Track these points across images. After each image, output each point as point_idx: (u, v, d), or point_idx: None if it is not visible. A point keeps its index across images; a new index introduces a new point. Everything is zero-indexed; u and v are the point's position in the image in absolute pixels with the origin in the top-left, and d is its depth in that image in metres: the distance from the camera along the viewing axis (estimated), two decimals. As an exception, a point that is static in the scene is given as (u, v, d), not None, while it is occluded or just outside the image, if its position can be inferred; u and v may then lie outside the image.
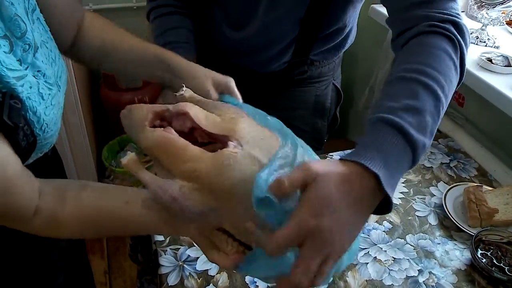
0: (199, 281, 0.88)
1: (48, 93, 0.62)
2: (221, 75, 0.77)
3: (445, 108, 0.68)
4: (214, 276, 0.88)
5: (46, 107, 0.61)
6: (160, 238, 0.96)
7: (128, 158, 0.60)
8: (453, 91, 0.71)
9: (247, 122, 0.63)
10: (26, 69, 0.59)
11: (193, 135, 0.63)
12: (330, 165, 0.56)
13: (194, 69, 0.78)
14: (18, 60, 0.57)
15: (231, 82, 0.77)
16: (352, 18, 1.07)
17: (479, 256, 0.92)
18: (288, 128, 0.66)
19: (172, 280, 0.87)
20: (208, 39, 1.11)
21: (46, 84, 0.62)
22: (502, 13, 1.39)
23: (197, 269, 0.90)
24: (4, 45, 0.55)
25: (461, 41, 0.74)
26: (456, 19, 0.76)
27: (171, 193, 0.58)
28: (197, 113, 0.62)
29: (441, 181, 1.15)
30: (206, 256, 0.63)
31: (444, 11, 0.76)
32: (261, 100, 0.88)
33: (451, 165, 1.21)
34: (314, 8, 0.98)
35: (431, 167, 1.20)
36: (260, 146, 0.59)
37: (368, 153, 0.57)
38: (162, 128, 0.61)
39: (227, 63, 1.11)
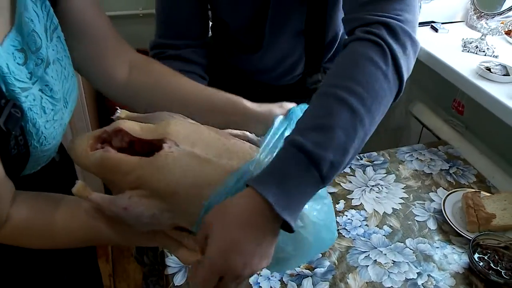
0: (204, 281, 0.90)
1: (51, 108, 0.65)
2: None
3: (372, 120, 0.63)
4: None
5: (47, 121, 0.64)
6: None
7: (77, 186, 0.62)
8: (386, 100, 0.66)
9: (179, 123, 0.64)
10: (35, 82, 0.62)
11: (134, 148, 0.65)
12: (223, 208, 0.58)
13: (268, 110, 0.76)
14: (29, 73, 0.61)
15: None
16: None
17: (477, 259, 0.94)
18: None
19: (178, 280, 0.90)
20: (227, 62, 1.16)
21: (50, 99, 0.65)
22: (501, 23, 1.42)
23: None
24: (19, 57, 0.59)
25: (393, 45, 0.66)
26: (392, 20, 0.68)
27: (121, 204, 0.60)
28: (131, 126, 0.63)
29: (441, 187, 1.18)
30: (176, 257, 0.65)
31: (381, 13, 0.69)
32: None
33: (451, 171, 1.24)
34: (312, 18, 1.01)
35: (431, 173, 1.23)
36: (196, 142, 0.62)
37: (264, 177, 0.58)
38: (101, 150, 0.62)
39: (248, 80, 1.17)
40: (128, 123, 0.64)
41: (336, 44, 1.12)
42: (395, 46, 0.66)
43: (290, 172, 0.57)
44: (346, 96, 0.61)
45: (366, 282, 0.92)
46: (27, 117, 0.60)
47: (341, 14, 1.02)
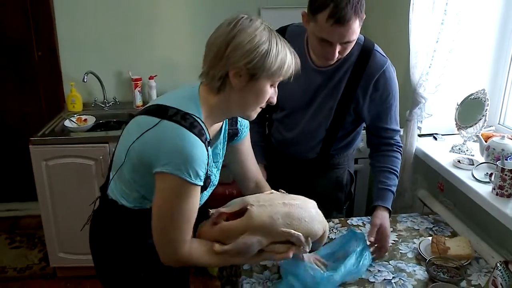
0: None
1: (216, 174, 1.39)
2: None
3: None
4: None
5: (216, 177, 1.39)
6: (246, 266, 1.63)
7: (216, 246, 1.28)
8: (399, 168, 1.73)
9: (248, 196, 1.38)
10: (215, 167, 1.38)
11: (228, 219, 1.34)
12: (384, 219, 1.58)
13: None
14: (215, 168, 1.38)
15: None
16: (357, 130, 1.82)
17: (430, 269, 1.49)
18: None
19: (247, 286, 1.52)
20: (269, 136, 1.90)
21: (217, 173, 1.40)
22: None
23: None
24: (217, 168, 1.37)
25: (401, 149, 1.74)
26: (400, 139, 1.78)
27: (241, 241, 1.28)
28: (223, 209, 1.35)
29: (423, 236, 1.74)
30: (271, 258, 1.36)
31: (396, 137, 1.77)
32: (300, 179, 1.73)
33: (434, 229, 1.80)
34: (334, 124, 1.73)
35: (418, 229, 1.80)
36: (263, 200, 1.33)
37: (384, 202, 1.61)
38: (217, 224, 1.33)
39: (278, 151, 1.89)
40: (223, 208, 1.36)
41: (349, 140, 1.83)
42: (401, 149, 1.74)
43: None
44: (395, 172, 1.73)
45: (358, 278, 1.49)
46: (210, 180, 1.32)
47: (357, 124, 1.82)
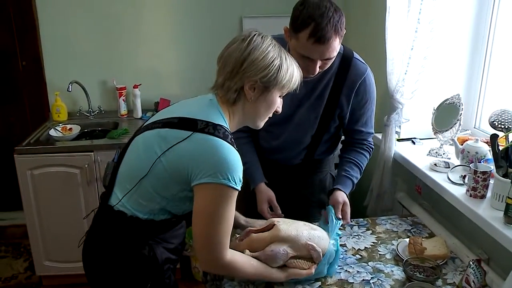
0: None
1: None
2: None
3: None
4: None
5: None
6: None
7: (247, 252, 1.45)
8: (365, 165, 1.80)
9: (276, 218, 1.57)
10: None
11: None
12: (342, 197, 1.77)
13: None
14: None
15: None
16: (338, 136, 1.87)
17: (407, 269, 1.54)
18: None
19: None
20: (258, 145, 1.94)
21: None
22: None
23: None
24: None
25: (371, 150, 1.85)
26: (371, 140, 1.89)
27: (269, 249, 1.44)
28: (251, 228, 1.54)
29: (401, 238, 1.79)
30: (293, 274, 1.46)
31: (368, 139, 1.87)
32: (285, 183, 1.76)
33: (412, 231, 1.85)
34: (319, 131, 1.80)
35: (397, 231, 1.85)
36: (287, 220, 1.50)
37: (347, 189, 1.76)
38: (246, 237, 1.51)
39: (263, 158, 1.93)
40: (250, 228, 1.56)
41: (330, 145, 1.88)
42: (371, 150, 1.87)
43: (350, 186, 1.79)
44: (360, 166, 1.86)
45: (338, 279, 1.53)
46: None
47: (338, 131, 1.88)
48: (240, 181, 1.27)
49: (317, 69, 1.60)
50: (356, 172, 1.85)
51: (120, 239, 1.39)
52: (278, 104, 1.42)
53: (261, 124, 1.45)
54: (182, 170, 1.26)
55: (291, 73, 1.37)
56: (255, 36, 1.33)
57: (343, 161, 1.88)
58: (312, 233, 1.51)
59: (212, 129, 1.27)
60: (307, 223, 1.57)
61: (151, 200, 1.33)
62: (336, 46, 1.54)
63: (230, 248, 1.34)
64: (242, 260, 1.39)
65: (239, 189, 1.26)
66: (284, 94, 1.42)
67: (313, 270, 1.47)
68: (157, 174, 1.29)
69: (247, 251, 1.45)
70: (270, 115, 1.44)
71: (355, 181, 1.84)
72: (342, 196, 1.77)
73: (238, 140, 1.91)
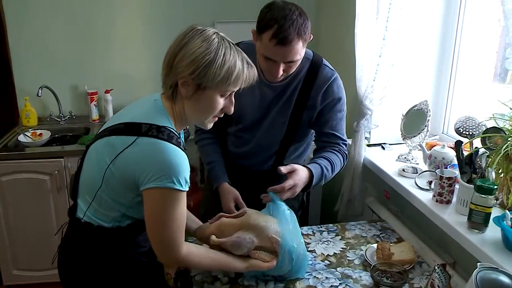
0: None
1: None
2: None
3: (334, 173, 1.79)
4: None
5: None
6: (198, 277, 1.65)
7: (212, 238, 1.45)
8: (339, 169, 1.79)
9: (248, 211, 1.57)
10: None
11: None
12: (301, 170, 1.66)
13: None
14: None
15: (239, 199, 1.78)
16: (307, 141, 1.88)
17: (374, 274, 1.55)
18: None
19: None
20: (225, 151, 1.94)
21: None
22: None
23: None
24: None
25: (344, 154, 1.82)
26: (345, 147, 1.85)
27: (235, 235, 1.44)
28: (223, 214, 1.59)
29: (370, 243, 1.81)
30: (256, 266, 1.46)
31: (341, 144, 1.84)
32: (255, 189, 1.71)
33: (381, 236, 1.88)
34: (287, 136, 1.81)
35: (366, 236, 1.87)
36: (258, 212, 1.50)
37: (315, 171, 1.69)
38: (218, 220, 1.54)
39: (234, 164, 1.94)
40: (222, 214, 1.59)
41: (301, 151, 1.89)
42: (346, 154, 1.84)
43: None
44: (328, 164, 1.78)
45: (306, 285, 1.54)
46: None
47: (307, 136, 1.89)
48: (187, 182, 1.25)
49: (281, 72, 1.60)
50: (326, 164, 1.75)
51: (91, 250, 1.39)
52: (223, 104, 1.34)
53: (208, 124, 1.38)
54: (130, 177, 1.25)
55: (229, 69, 1.26)
56: (192, 31, 1.28)
57: (313, 158, 1.82)
58: (279, 226, 1.50)
59: (155, 131, 1.24)
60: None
61: (111, 209, 1.33)
62: (299, 49, 1.55)
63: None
64: (199, 253, 1.40)
65: (186, 189, 1.26)
66: (227, 93, 1.33)
67: (274, 263, 1.46)
68: (110, 183, 1.29)
69: (213, 237, 1.45)
70: (219, 115, 1.38)
71: (325, 170, 1.74)
72: (301, 167, 1.68)
73: (203, 141, 1.94)
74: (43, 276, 2.70)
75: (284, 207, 1.57)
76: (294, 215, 1.59)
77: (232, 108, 1.37)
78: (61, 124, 3.16)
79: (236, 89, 1.33)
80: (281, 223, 1.51)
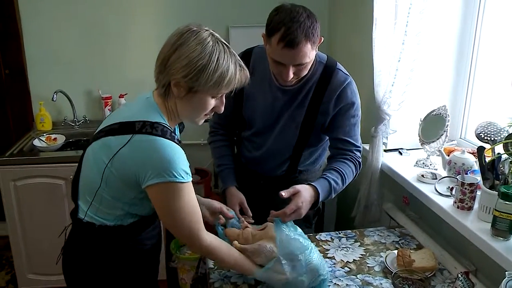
0: (230, 288, 1.54)
1: None
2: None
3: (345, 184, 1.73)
4: None
5: None
6: (217, 284, 1.64)
7: (235, 243, 1.48)
8: (351, 179, 1.74)
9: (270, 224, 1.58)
10: None
11: None
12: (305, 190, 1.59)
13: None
14: None
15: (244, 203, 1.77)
16: (323, 146, 1.87)
17: (396, 282, 1.53)
18: None
19: None
20: (239, 155, 1.93)
21: None
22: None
23: None
24: None
25: (357, 163, 1.78)
26: (358, 154, 1.80)
27: (258, 243, 1.46)
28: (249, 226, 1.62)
29: (389, 250, 1.79)
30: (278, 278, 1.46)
31: (354, 151, 1.78)
32: (269, 195, 1.71)
33: (400, 242, 1.86)
34: (300, 141, 1.78)
35: (385, 242, 1.85)
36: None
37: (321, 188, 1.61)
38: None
39: (247, 169, 1.93)
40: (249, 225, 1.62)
41: (315, 157, 1.88)
42: (359, 163, 1.75)
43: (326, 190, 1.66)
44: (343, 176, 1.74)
45: (327, 293, 1.53)
46: None
47: (321, 141, 1.86)
48: (187, 173, 1.27)
49: (291, 75, 1.59)
50: (335, 176, 1.70)
51: (94, 249, 1.40)
52: (214, 104, 1.35)
53: (199, 121, 1.40)
54: (130, 175, 1.26)
55: (222, 74, 1.27)
56: (188, 32, 1.28)
57: (324, 169, 1.79)
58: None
59: (149, 128, 1.25)
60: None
61: (113, 208, 1.34)
62: (307, 51, 1.53)
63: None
64: (226, 251, 1.43)
65: (189, 180, 1.28)
66: (219, 95, 1.34)
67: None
68: (110, 183, 1.30)
69: (236, 242, 1.49)
70: (209, 114, 1.39)
71: (334, 184, 1.69)
72: (305, 187, 1.63)
73: (215, 143, 1.94)
74: (57, 281, 2.69)
75: (290, 233, 1.52)
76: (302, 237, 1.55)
77: (222, 108, 1.39)
78: (76, 128, 3.16)
79: (228, 91, 1.35)
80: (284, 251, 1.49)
